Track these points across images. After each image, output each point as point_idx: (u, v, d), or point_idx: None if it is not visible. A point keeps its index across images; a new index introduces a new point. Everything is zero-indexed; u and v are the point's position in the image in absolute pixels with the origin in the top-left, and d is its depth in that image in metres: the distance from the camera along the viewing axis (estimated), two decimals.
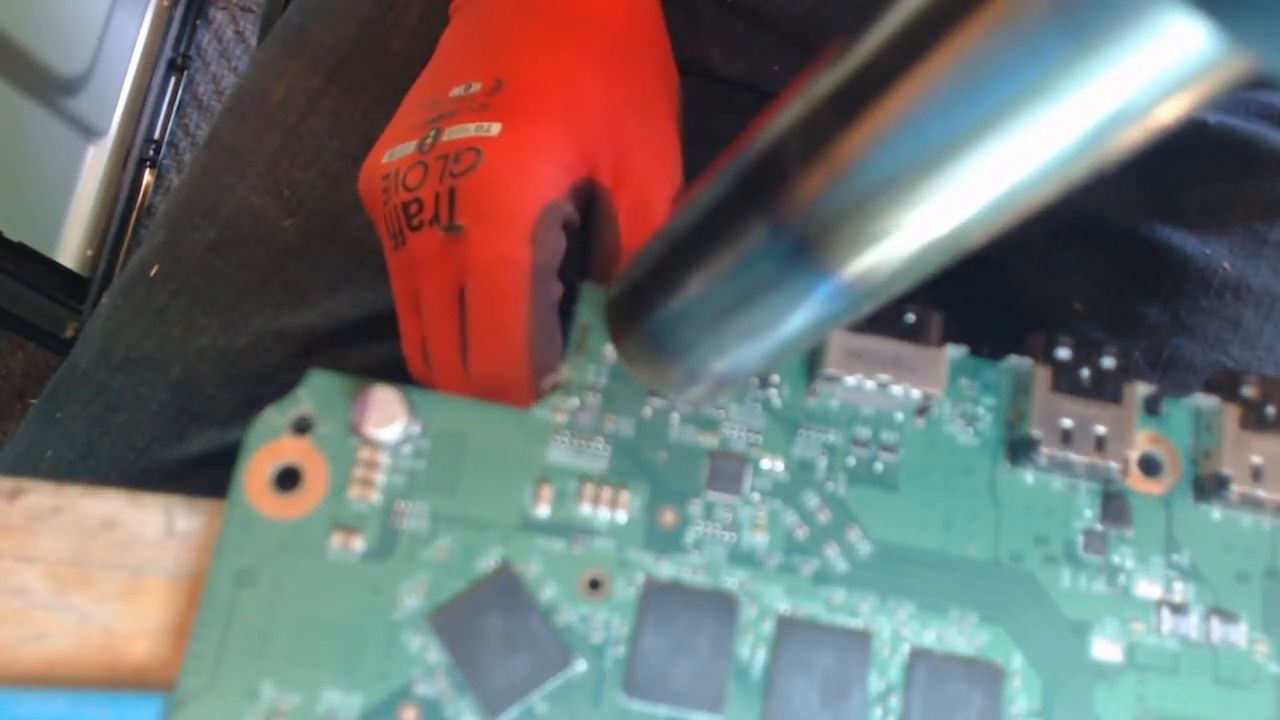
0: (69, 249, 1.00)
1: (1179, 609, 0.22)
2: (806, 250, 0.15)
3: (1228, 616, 0.22)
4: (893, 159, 0.13)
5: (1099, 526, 0.23)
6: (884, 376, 0.22)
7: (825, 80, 0.14)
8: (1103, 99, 0.12)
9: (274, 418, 0.22)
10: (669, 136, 0.33)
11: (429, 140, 0.30)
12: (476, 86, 0.30)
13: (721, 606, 0.21)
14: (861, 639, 0.21)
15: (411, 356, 0.31)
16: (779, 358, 0.18)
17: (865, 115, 0.13)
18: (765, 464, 0.22)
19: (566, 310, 0.26)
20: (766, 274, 0.15)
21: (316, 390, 0.22)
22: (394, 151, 0.30)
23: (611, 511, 0.22)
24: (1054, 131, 0.12)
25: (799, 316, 0.16)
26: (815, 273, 0.15)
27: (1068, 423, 0.22)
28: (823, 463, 0.22)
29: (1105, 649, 0.22)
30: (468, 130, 0.29)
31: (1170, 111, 0.12)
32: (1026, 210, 0.14)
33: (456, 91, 0.30)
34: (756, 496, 0.22)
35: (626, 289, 0.19)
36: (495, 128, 0.29)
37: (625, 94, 0.32)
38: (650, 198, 0.31)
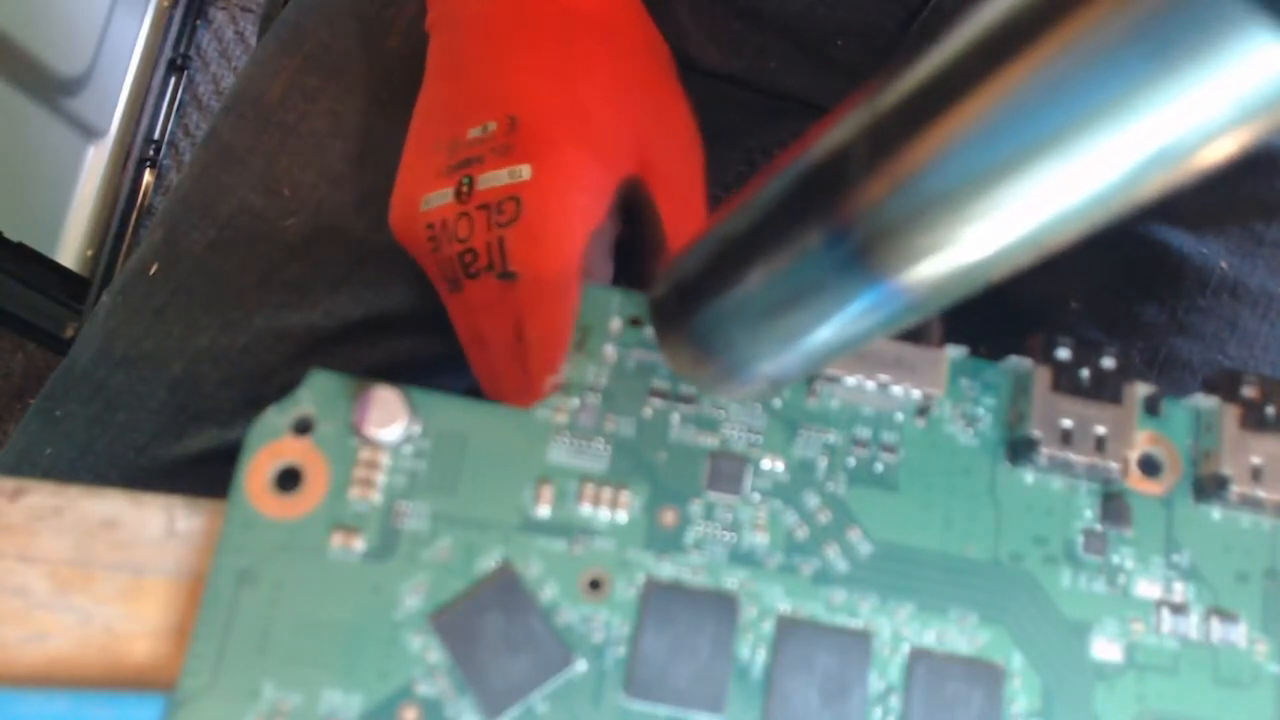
0: (69, 249, 1.00)
1: (1179, 609, 0.22)
2: (866, 256, 0.14)
3: (1228, 616, 0.22)
4: (960, 170, 0.13)
5: (1099, 526, 0.23)
6: (884, 377, 0.22)
7: (895, 87, 0.14)
8: (1181, 118, 0.12)
9: (274, 418, 0.22)
10: (682, 111, 0.34)
11: (464, 189, 0.30)
12: (493, 126, 0.31)
13: (722, 606, 0.21)
14: (861, 639, 0.21)
15: (486, 386, 0.32)
16: (824, 362, 0.18)
17: (936, 124, 0.13)
18: (765, 464, 0.22)
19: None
20: (823, 278, 0.15)
21: (317, 390, 0.22)
22: (429, 200, 0.31)
23: (612, 511, 0.22)
24: (1129, 149, 0.12)
25: (851, 322, 0.16)
26: (873, 279, 0.15)
27: (1068, 423, 0.22)
28: (823, 463, 0.23)
29: (1105, 649, 0.22)
30: (500, 178, 0.30)
31: (1253, 131, 0.12)
32: (1092, 225, 0.14)
33: (474, 133, 0.31)
34: (757, 496, 0.22)
35: (672, 288, 0.19)
36: (526, 171, 0.30)
37: (631, 86, 0.32)
38: (681, 177, 0.32)
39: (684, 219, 0.31)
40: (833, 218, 0.15)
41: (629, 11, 0.34)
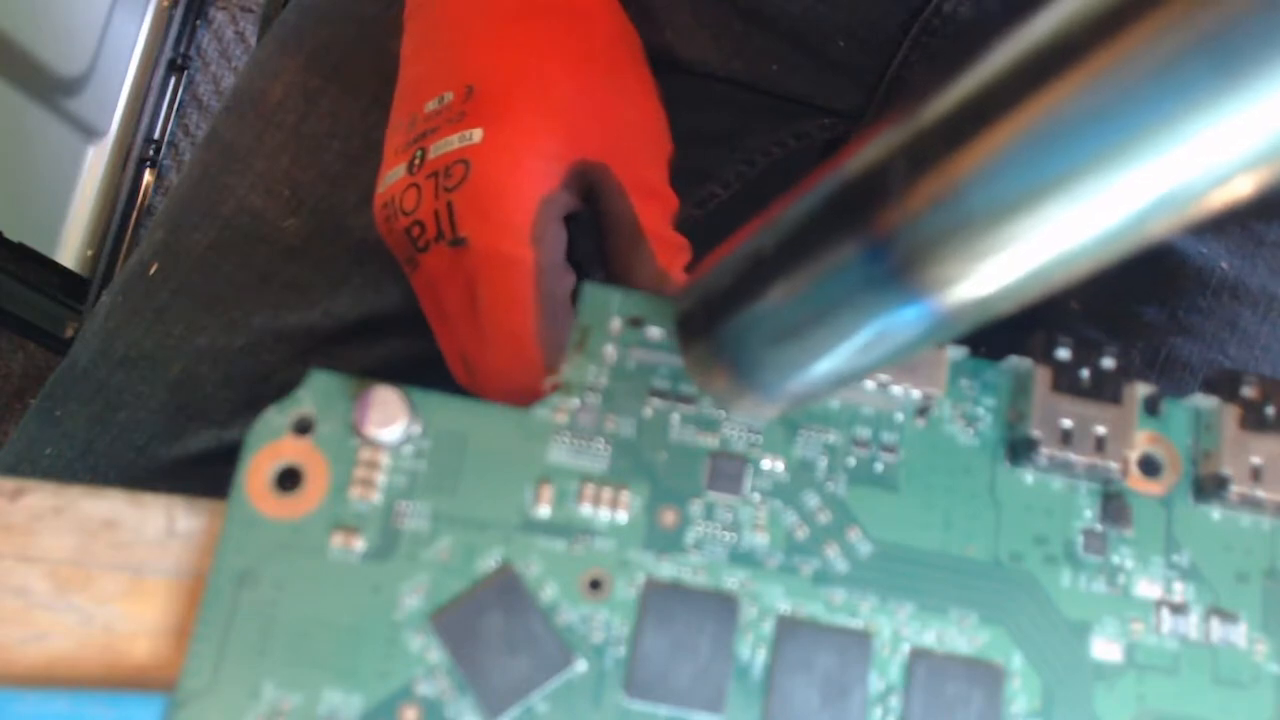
0: (69, 249, 1.00)
1: (1179, 609, 0.22)
2: (904, 272, 0.14)
3: (1227, 616, 0.22)
4: (1007, 186, 0.13)
5: (1099, 526, 0.23)
6: (884, 376, 0.22)
7: (939, 101, 0.14)
8: (1244, 133, 0.11)
9: (275, 418, 0.22)
10: (647, 99, 0.33)
11: (417, 161, 0.30)
12: (450, 96, 0.30)
13: (722, 606, 0.21)
14: (861, 639, 0.21)
15: (453, 366, 0.31)
16: (851, 380, 0.17)
17: (982, 137, 0.13)
18: (765, 464, 0.22)
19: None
20: (857, 294, 0.15)
21: (317, 390, 0.22)
22: (387, 178, 0.31)
23: (612, 511, 0.22)
24: (1186, 166, 0.12)
25: (885, 339, 0.15)
26: (909, 295, 0.14)
27: (1068, 423, 0.22)
28: (823, 463, 0.23)
29: (1105, 649, 0.22)
30: (451, 143, 0.29)
31: None
32: (1139, 244, 0.13)
33: (431, 106, 0.30)
34: (757, 496, 0.22)
35: (699, 303, 0.18)
36: (477, 134, 0.29)
37: (594, 67, 0.32)
38: (644, 165, 0.32)
39: (648, 209, 0.31)
40: (870, 232, 0.14)
41: (599, 1, 0.34)
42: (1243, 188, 0.12)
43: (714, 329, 0.18)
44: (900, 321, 0.15)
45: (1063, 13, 0.12)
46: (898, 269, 0.14)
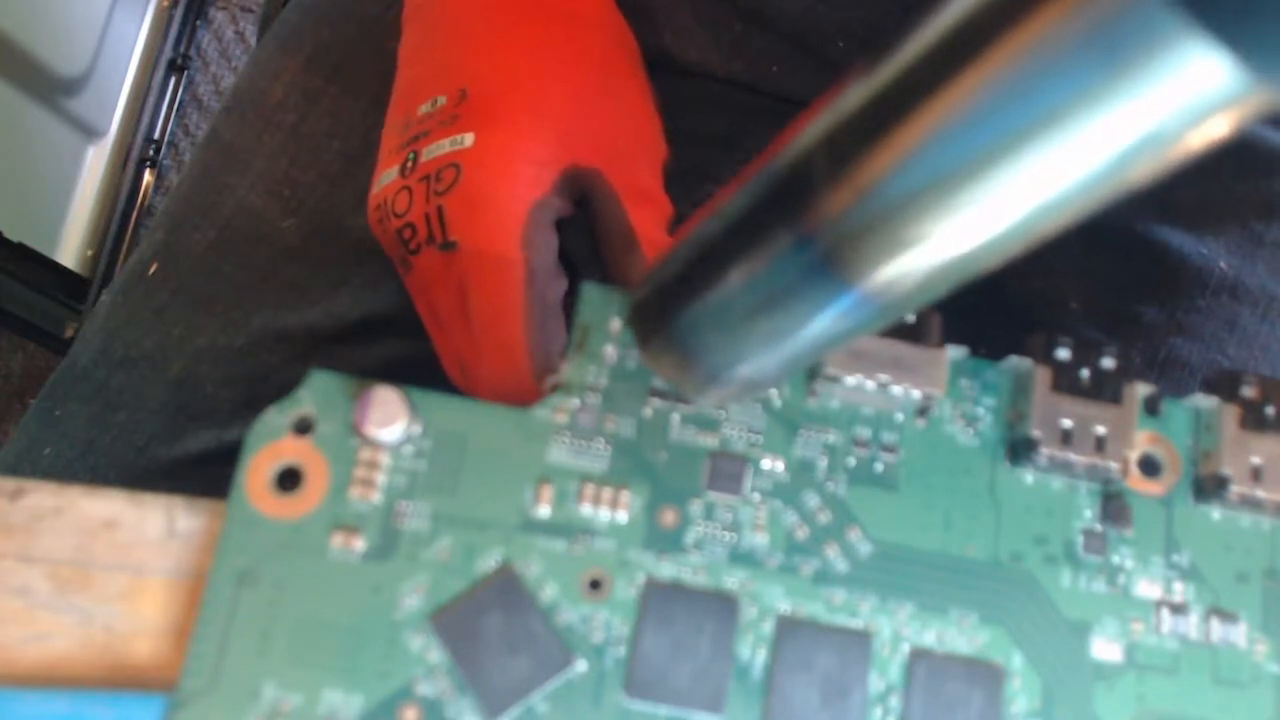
0: (69, 249, 1.00)
1: (1179, 609, 0.22)
2: (831, 263, 0.15)
3: (1227, 616, 0.22)
4: (918, 177, 0.13)
5: (1099, 527, 0.23)
6: (884, 377, 0.22)
7: (853, 96, 0.14)
8: (1130, 124, 0.12)
9: (275, 418, 0.22)
10: (643, 104, 0.33)
11: (409, 163, 0.30)
12: (443, 100, 0.30)
13: (722, 606, 0.21)
14: (861, 639, 0.21)
15: (449, 369, 0.31)
16: (801, 365, 0.18)
17: (893, 133, 0.13)
18: (765, 464, 0.22)
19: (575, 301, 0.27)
20: (792, 284, 0.16)
21: (317, 390, 0.22)
22: (380, 180, 0.31)
23: (612, 511, 0.22)
24: (1079, 154, 0.13)
25: (822, 326, 0.16)
26: (839, 285, 0.15)
27: (1068, 423, 0.22)
28: (823, 463, 0.23)
29: (1105, 649, 0.22)
30: (443, 147, 0.29)
31: (1199, 138, 0.12)
32: (1048, 231, 0.14)
33: (424, 109, 0.31)
34: (757, 496, 0.22)
35: (652, 292, 0.19)
36: (469, 139, 0.29)
37: (589, 73, 0.32)
38: (638, 171, 0.32)
39: (642, 215, 0.31)
40: (798, 225, 0.15)
41: (596, 4, 0.34)
42: (1152, 165, 0.13)
43: (665, 316, 0.18)
44: (838, 309, 0.15)
45: (955, 14, 0.13)
46: (827, 259, 0.15)
